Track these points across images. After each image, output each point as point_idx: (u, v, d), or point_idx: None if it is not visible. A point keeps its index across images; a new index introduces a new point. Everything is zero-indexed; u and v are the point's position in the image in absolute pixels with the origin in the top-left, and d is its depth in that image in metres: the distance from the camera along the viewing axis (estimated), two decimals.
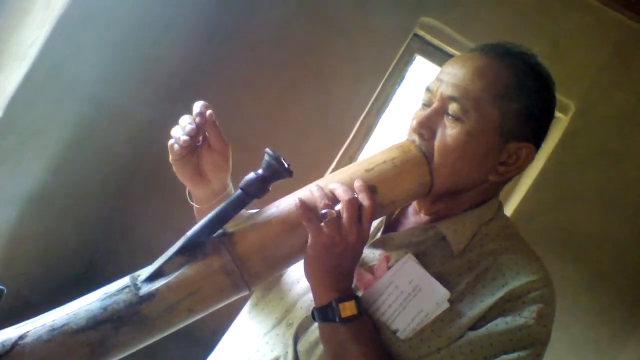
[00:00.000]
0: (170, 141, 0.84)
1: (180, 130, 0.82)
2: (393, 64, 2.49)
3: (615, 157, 2.44)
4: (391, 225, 0.94)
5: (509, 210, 2.44)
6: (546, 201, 2.46)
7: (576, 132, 2.39)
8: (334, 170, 2.60)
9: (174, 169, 0.87)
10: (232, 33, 2.44)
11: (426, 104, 0.87)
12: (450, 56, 2.55)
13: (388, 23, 2.43)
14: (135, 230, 2.62)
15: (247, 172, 0.78)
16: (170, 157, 0.85)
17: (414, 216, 0.92)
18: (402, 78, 2.60)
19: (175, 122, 0.85)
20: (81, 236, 2.52)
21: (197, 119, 0.82)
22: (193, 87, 2.43)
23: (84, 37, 1.67)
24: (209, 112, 0.83)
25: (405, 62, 2.57)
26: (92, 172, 2.28)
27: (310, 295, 0.86)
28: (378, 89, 2.51)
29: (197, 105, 0.84)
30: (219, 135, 0.85)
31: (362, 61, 2.45)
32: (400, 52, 2.49)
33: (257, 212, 0.81)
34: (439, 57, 2.58)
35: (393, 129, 2.74)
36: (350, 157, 2.63)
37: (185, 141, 0.81)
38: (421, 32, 2.52)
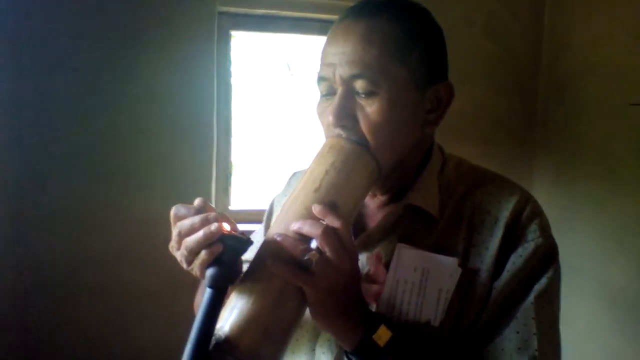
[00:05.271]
0: (201, 258, 0.67)
1: (199, 241, 0.67)
2: (215, 51, 2.36)
3: (466, 29, 2.57)
4: (357, 221, 0.88)
5: None
6: None
7: None
8: (217, 174, 2.46)
9: (197, 274, 0.70)
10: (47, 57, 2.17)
11: (327, 94, 0.80)
12: (264, 18, 2.48)
13: (188, 17, 2.28)
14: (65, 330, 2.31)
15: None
16: (196, 270, 0.69)
17: (372, 201, 0.88)
18: (230, 59, 2.49)
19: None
20: None
21: (214, 228, 0.66)
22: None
23: None
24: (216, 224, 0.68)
25: (225, 43, 2.46)
26: None
27: (324, 336, 0.81)
28: (215, 81, 2.38)
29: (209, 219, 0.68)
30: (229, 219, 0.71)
31: (187, 65, 2.30)
32: (216, 36, 2.36)
33: (234, 294, 0.71)
34: (253, 22, 2.50)
35: (248, 112, 2.67)
36: (224, 157, 2.50)
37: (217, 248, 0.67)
38: (223, 9, 2.40)
